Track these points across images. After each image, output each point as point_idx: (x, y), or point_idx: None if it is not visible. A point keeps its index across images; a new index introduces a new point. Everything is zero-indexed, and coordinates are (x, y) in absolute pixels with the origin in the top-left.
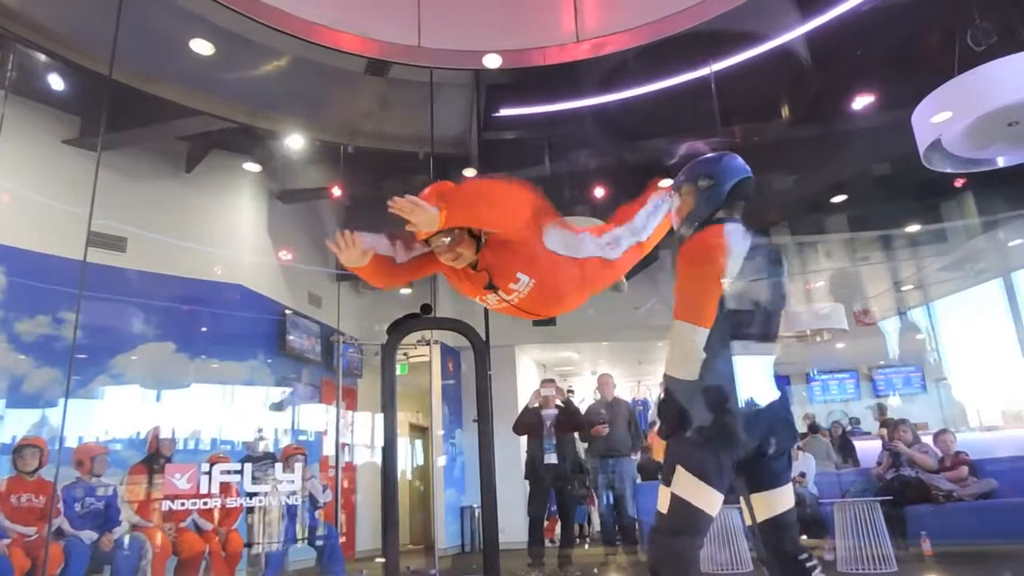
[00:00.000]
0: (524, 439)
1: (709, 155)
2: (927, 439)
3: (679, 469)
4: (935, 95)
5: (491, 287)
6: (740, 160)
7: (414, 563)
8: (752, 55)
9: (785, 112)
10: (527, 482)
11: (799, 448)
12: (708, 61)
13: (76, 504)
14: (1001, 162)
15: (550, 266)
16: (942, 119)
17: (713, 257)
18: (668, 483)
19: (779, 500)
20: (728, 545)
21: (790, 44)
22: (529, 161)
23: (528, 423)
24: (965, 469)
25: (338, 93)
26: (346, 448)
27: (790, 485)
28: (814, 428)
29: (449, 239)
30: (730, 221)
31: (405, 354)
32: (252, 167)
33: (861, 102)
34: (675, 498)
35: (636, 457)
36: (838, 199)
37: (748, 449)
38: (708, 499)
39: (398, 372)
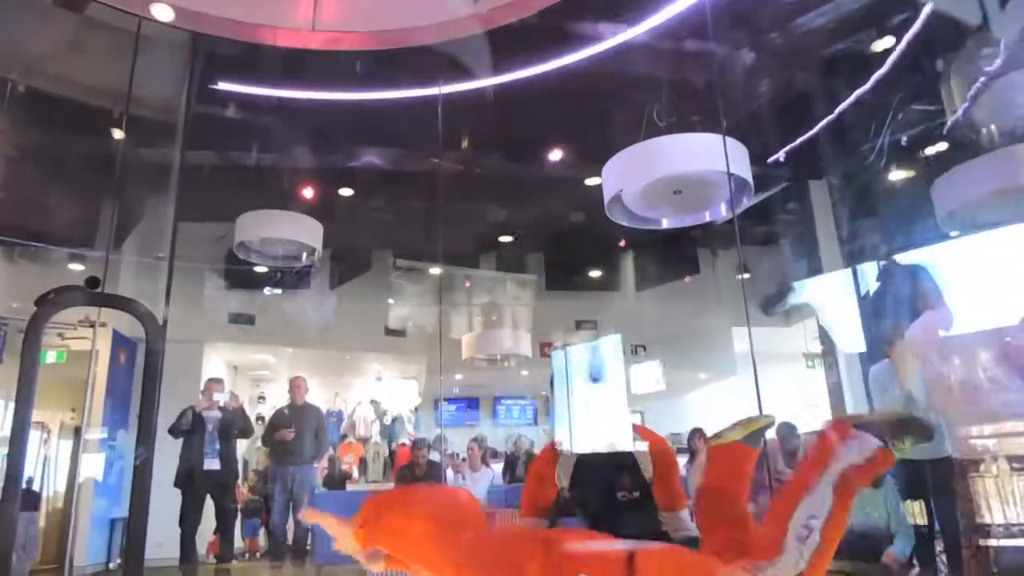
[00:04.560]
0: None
1: None
2: None
3: None
4: (620, 156)
5: None
6: None
7: None
8: (479, 86)
9: (500, 148)
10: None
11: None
12: (439, 82)
13: None
14: (665, 223)
15: None
16: (607, 184)
17: None
18: None
19: None
20: None
21: (511, 85)
22: (240, 145)
23: (187, 424)
24: None
25: (14, 17)
26: None
27: None
28: None
29: None
30: None
31: (60, 335)
32: None
33: (570, 151)
34: None
35: (319, 465)
36: (517, 239)
37: None
38: None
39: (54, 360)
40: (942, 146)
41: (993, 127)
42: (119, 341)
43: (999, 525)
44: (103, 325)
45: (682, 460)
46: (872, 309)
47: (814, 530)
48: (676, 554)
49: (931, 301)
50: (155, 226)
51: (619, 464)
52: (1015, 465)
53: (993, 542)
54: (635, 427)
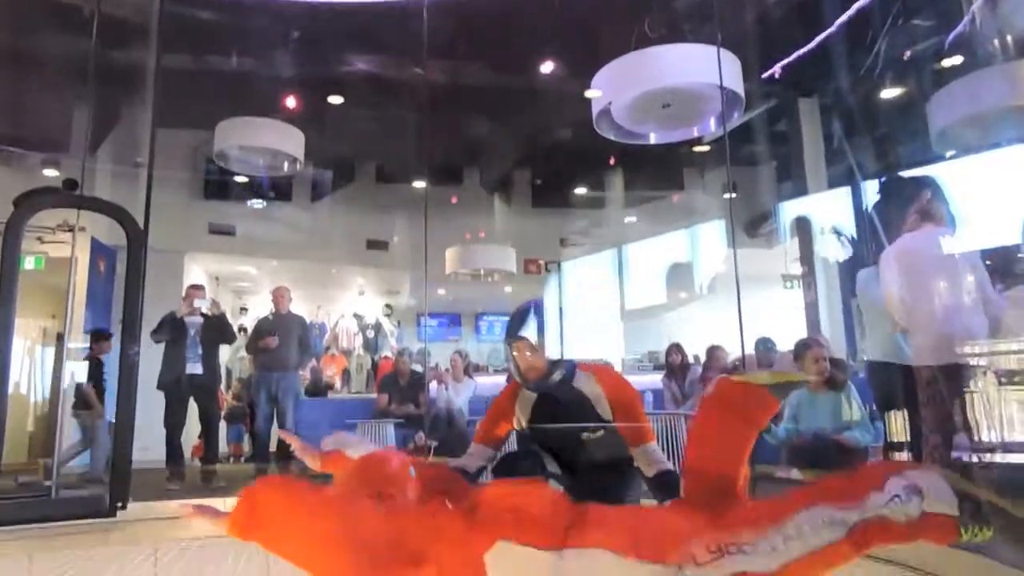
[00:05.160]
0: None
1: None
2: None
3: None
4: (610, 67)
5: None
6: None
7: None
8: None
9: (488, 59)
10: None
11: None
12: None
13: None
14: (653, 138)
15: None
16: (594, 96)
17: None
18: None
19: None
20: None
21: None
22: (217, 49)
23: (169, 328)
24: None
25: None
26: None
27: None
28: None
29: None
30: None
31: (40, 238)
32: None
33: (559, 63)
34: None
35: (304, 373)
36: (508, 152)
37: None
38: None
39: (32, 267)
40: (945, 62)
41: (997, 42)
42: (98, 248)
43: (983, 440)
44: (82, 230)
45: (659, 375)
46: (875, 222)
47: (805, 537)
48: (632, 513)
49: (937, 214)
50: (131, 132)
51: (578, 406)
52: (1003, 380)
53: (977, 457)
54: (585, 367)
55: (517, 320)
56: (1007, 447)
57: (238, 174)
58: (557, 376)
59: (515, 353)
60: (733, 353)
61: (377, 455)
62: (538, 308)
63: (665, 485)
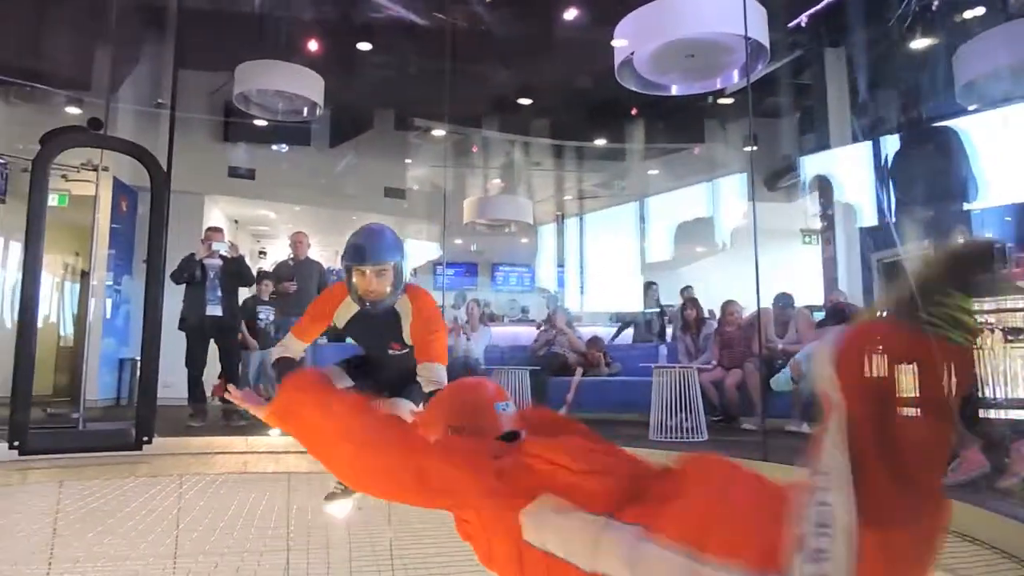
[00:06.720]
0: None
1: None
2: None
3: None
4: (634, 16)
5: None
6: None
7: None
8: None
9: (509, 3)
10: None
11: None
12: None
13: None
14: (674, 90)
15: None
16: (620, 45)
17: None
18: None
19: None
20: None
21: None
22: None
23: (189, 271)
24: (600, 356)
25: None
26: None
27: None
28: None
29: None
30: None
31: (64, 176)
32: None
33: (582, 12)
34: None
35: None
36: (528, 102)
37: None
38: None
39: (56, 203)
40: (977, 11)
41: None
42: (120, 188)
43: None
44: (105, 169)
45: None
46: (895, 171)
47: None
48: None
49: (959, 167)
50: (153, 72)
51: (391, 322)
52: (1009, 337)
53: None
54: (409, 287)
55: (370, 244)
56: (1011, 403)
57: (258, 117)
58: (391, 301)
59: (356, 278)
60: (749, 308)
61: (470, 383)
62: (382, 232)
63: None
